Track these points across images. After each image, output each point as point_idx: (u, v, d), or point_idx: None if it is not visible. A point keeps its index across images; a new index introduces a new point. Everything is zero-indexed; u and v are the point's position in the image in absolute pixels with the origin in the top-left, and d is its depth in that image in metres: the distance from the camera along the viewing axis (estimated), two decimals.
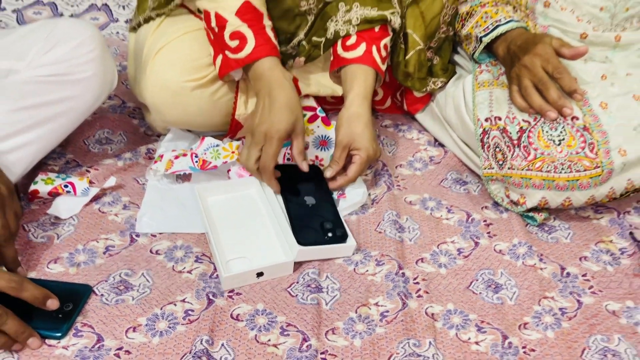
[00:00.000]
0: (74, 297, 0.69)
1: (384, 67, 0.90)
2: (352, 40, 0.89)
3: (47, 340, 0.64)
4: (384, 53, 0.89)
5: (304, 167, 0.82)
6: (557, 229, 0.87)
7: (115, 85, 0.87)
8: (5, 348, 0.62)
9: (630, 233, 0.86)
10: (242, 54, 0.82)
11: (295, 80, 0.93)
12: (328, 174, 0.85)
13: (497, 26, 0.92)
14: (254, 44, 0.82)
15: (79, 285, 0.71)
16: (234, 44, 0.83)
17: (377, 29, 0.89)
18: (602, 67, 0.93)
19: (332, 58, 0.92)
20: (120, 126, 1.01)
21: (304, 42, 0.92)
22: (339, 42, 0.90)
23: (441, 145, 1.03)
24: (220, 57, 0.85)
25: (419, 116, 1.08)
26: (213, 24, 0.84)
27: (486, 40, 0.93)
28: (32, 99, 0.77)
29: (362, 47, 0.88)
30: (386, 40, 0.90)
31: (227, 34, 0.83)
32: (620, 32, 0.96)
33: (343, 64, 0.89)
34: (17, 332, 0.62)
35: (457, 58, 1.06)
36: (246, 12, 0.82)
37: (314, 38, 0.91)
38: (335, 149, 0.85)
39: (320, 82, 0.96)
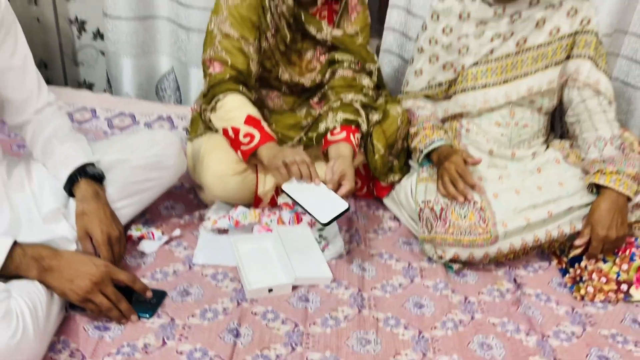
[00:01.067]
0: (156, 296, 1.13)
1: (357, 150, 1.38)
2: (337, 130, 1.38)
3: (141, 319, 1.07)
4: (356, 141, 1.37)
5: (317, 182, 1.23)
6: (467, 275, 1.31)
7: (184, 171, 1.36)
8: (117, 320, 1.05)
9: (514, 279, 1.29)
10: (253, 144, 1.29)
11: None
12: (330, 185, 1.24)
13: (432, 143, 1.42)
14: (259, 136, 1.30)
15: (159, 290, 1.15)
16: (246, 140, 1.31)
17: (353, 126, 1.39)
18: (500, 171, 1.42)
19: (323, 144, 1.39)
20: (180, 199, 1.49)
21: (303, 137, 1.43)
22: (329, 133, 1.39)
23: (398, 220, 1.50)
24: (239, 152, 1.33)
25: (384, 200, 1.55)
26: (230, 133, 1.32)
27: (425, 152, 1.42)
28: (137, 177, 1.25)
29: (344, 134, 1.37)
30: (358, 135, 1.39)
31: (242, 136, 1.31)
32: (516, 150, 1.46)
33: (331, 143, 1.36)
34: (126, 310, 1.06)
35: (410, 162, 1.55)
36: (250, 121, 1.32)
37: (309, 134, 1.43)
38: (330, 180, 1.24)
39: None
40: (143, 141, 1.29)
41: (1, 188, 1.11)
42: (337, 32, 1.46)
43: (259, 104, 1.47)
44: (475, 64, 1.43)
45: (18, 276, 0.98)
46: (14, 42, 1.10)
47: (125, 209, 1.24)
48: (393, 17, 2.01)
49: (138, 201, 1.27)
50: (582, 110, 1.42)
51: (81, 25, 2.27)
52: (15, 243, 0.97)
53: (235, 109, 1.33)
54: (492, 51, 1.42)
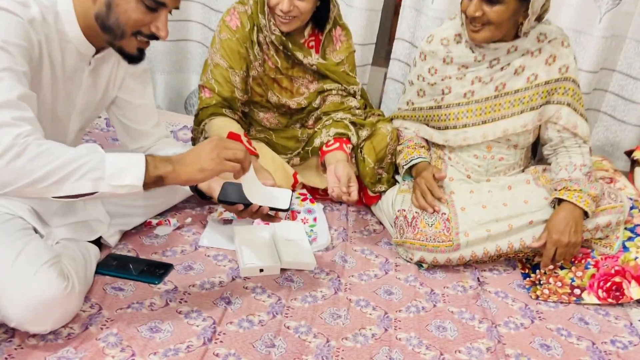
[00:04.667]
0: (164, 267, 1.34)
1: (349, 158, 1.59)
2: (331, 142, 1.60)
3: (150, 285, 1.28)
4: (348, 150, 1.59)
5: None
6: (437, 272, 1.48)
7: None
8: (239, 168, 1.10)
9: (478, 279, 1.46)
10: None
11: (295, 174, 1.64)
12: (344, 198, 1.43)
13: (412, 160, 1.61)
14: None
15: (167, 263, 1.36)
16: None
17: (344, 138, 1.60)
18: (473, 186, 1.59)
19: (320, 156, 1.61)
20: (194, 197, 1.71)
21: (301, 151, 1.64)
22: (324, 146, 1.60)
23: (382, 224, 1.69)
24: None
25: (372, 207, 1.74)
26: None
27: (406, 167, 1.61)
28: None
29: (337, 144, 1.59)
30: (349, 145, 1.60)
31: None
32: (490, 177, 1.63)
33: (327, 153, 1.58)
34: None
35: (397, 176, 1.74)
36: (231, 137, 1.53)
37: (306, 148, 1.65)
38: (342, 183, 1.43)
39: (309, 179, 1.66)
40: None
41: None
42: (323, 60, 1.68)
43: (256, 124, 1.74)
44: (457, 104, 1.59)
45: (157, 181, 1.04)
46: (143, 87, 1.38)
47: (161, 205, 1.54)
48: (398, 49, 2.24)
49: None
50: (560, 147, 1.57)
51: None
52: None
53: (219, 128, 1.58)
54: (472, 93, 1.58)
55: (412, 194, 1.54)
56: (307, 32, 1.67)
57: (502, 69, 1.54)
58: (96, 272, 1.29)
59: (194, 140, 1.75)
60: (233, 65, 1.61)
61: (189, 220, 1.56)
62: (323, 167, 1.62)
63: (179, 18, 2.32)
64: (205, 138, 1.65)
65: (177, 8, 1.17)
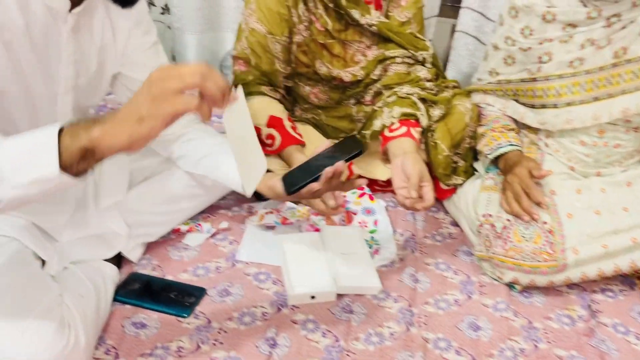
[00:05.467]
0: (195, 294, 1.09)
1: (419, 146, 1.25)
2: (396, 125, 1.25)
3: (177, 318, 1.04)
4: (417, 135, 1.24)
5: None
6: (534, 296, 1.17)
7: None
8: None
9: (589, 305, 1.14)
10: (274, 147, 1.27)
11: (350, 164, 1.34)
12: (419, 206, 1.07)
13: (499, 148, 1.27)
14: (280, 140, 1.26)
15: (198, 288, 1.11)
16: (269, 142, 1.28)
17: (413, 120, 1.27)
18: (579, 183, 1.24)
19: (381, 141, 1.26)
20: (232, 193, 1.43)
21: (357, 135, 1.33)
22: (386, 130, 1.26)
23: (458, 225, 1.37)
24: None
25: (445, 203, 1.42)
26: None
27: (491, 157, 1.28)
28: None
29: (404, 129, 1.24)
30: (418, 129, 1.25)
31: (264, 137, 1.28)
32: (602, 170, 1.27)
33: (390, 140, 1.23)
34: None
35: (476, 164, 1.40)
36: (272, 122, 1.28)
37: (362, 131, 1.33)
38: (410, 185, 1.07)
39: (367, 169, 1.36)
40: None
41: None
42: (385, 19, 1.34)
43: (302, 101, 1.44)
44: (559, 76, 1.23)
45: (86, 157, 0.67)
46: (155, 61, 1.07)
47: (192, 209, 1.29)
48: None
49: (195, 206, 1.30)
50: None
51: (150, 0, 2.26)
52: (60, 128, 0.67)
53: (258, 111, 1.29)
54: (581, 61, 1.21)
55: (500, 194, 1.22)
56: None
57: (623, 27, 1.16)
58: (115, 299, 1.06)
59: None
60: (273, 30, 1.29)
61: (224, 224, 1.29)
62: (384, 155, 1.30)
63: None
64: None
65: None
